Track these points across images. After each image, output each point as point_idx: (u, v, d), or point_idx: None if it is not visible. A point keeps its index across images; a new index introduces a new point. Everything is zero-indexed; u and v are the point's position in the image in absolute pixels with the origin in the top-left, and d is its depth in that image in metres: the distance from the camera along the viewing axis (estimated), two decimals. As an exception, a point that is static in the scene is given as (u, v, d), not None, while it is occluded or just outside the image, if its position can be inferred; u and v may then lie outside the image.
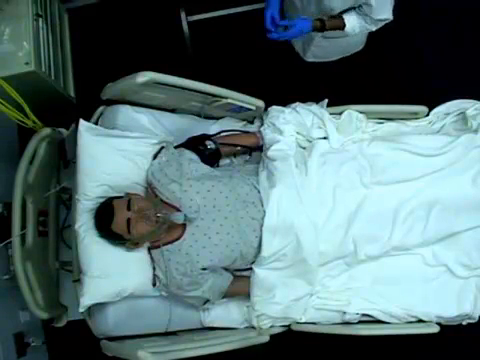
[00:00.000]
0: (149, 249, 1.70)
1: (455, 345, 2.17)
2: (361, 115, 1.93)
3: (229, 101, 1.81)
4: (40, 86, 2.07)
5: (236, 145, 1.88)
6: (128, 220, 1.55)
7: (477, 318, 1.82)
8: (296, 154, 1.83)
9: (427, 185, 1.77)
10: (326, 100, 1.93)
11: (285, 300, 1.74)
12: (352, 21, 1.70)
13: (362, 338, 1.75)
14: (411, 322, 1.81)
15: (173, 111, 1.97)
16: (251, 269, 1.73)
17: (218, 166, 1.89)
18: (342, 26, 1.71)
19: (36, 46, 1.98)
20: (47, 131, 1.81)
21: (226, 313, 1.83)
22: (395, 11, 1.64)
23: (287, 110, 1.88)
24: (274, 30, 1.66)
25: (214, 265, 1.65)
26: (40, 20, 2.07)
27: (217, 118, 2.01)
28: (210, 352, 1.58)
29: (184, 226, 1.64)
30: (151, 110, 1.89)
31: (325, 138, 1.88)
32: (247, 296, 1.76)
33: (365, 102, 1.95)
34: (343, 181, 1.76)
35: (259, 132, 1.90)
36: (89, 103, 1.89)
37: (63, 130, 1.95)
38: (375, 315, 1.80)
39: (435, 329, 1.77)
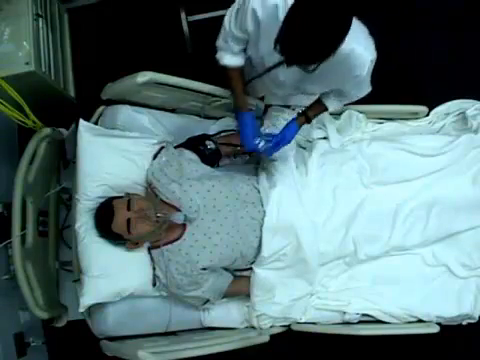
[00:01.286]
0: (149, 249, 1.69)
1: (455, 345, 2.17)
2: (361, 115, 1.94)
3: (229, 101, 1.81)
4: (40, 86, 2.06)
5: (236, 145, 1.88)
6: (128, 220, 1.55)
7: (477, 318, 1.82)
8: (296, 154, 1.83)
9: (427, 185, 1.78)
10: (326, 100, 1.93)
11: (285, 300, 1.74)
12: (332, 103, 1.67)
13: (362, 338, 1.75)
14: (411, 322, 1.82)
15: (173, 111, 1.97)
16: (251, 269, 1.73)
17: (218, 166, 1.89)
18: (325, 109, 1.69)
19: (36, 46, 1.98)
20: (47, 131, 1.81)
21: (226, 313, 1.83)
22: (395, 11, 1.64)
23: (287, 110, 1.88)
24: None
25: (214, 265, 1.65)
26: (40, 20, 2.06)
27: (217, 118, 2.01)
28: (210, 352, 1.58)
29: (184, 226, 1.64)
30: (151, 110, 1.89)
31: (325, 138, 1.88)
32: (247, 296, 1.76)
33: (365, 102, 1.94)
34: (343, 181, 1.77)
35: (259, 132, 1.90)
36: (89, 103, 1.89)
37: (63, 130, 1.95)
38: (375, 315, 1.80)
39: (435, 329, 1.77)
